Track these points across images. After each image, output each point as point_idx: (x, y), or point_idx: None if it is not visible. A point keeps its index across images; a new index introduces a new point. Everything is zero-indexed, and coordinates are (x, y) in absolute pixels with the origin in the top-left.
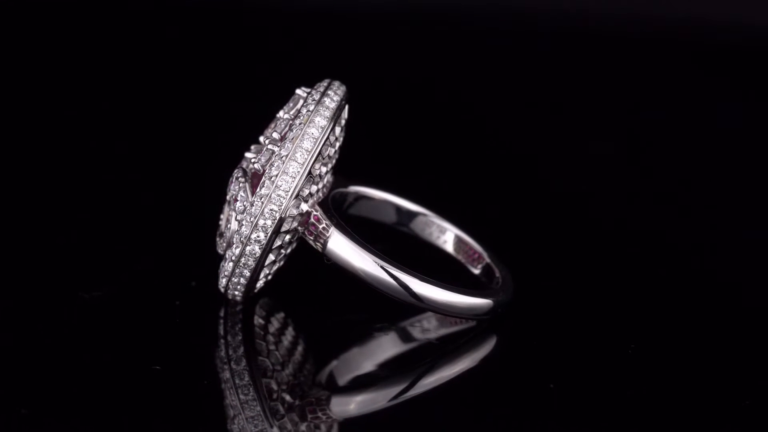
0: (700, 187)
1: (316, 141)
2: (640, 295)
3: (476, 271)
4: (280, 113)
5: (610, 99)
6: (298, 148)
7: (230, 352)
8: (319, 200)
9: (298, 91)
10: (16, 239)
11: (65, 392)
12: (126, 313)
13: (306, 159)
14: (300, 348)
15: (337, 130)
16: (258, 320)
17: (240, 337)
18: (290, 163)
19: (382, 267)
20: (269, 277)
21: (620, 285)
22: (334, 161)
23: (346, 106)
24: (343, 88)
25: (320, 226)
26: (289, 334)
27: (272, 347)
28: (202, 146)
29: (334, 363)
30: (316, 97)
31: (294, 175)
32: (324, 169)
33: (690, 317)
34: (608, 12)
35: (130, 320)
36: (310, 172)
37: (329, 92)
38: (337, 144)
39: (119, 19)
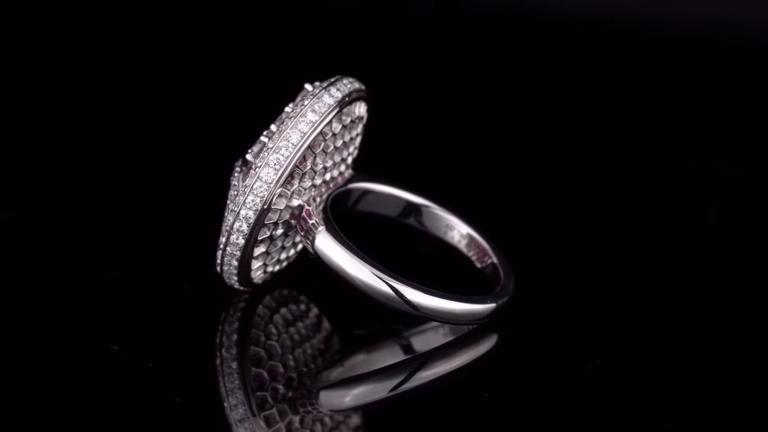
0: (701, 186)
1: (305, 135)
2: (640, 296)
3: (479, 265)
4: (287, 107)
5: (616, 97)
6: (284, 140)
7: (223, 340)
8: (321, 195)
9: (307, 85)
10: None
11: (57, 367)
12: (137, 296)
13: (291, 152)
14: (305, 344)
15: (336, 125)
16: (263, 310)
17: (236, 325)
18: (274, 155)
19: (369, 271)
20: (273, 268)
21: (621, 285)
22: (340, 157)
23: (360, 104)
24: (352, 85)
25: (310, 222)
26: (298, 327)
27: (273, 338)
28: (226, 138)
29: (339, 369)
30: (316, 92)
31: (277, 167)
32: (321, 164)
33: (691, 319)
34: (611, 11)
35: (138, 302)
36: (299, 167)
37: (332, 89)
38: (340, 141)
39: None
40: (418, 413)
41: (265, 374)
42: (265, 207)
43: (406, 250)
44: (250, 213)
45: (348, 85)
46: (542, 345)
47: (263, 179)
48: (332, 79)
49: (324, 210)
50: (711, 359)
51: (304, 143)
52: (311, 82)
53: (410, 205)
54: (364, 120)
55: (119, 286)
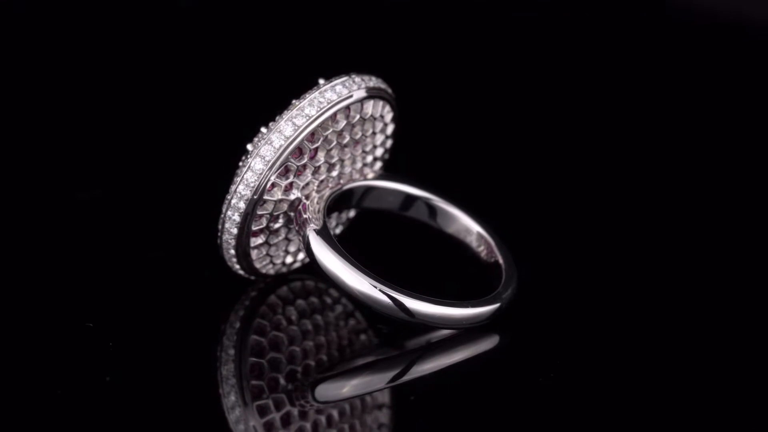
0: (700, 186)
1: (298, 128)
2: (640, 297)
3: (485, 259)
4: (294, 100)
5: (621, 94)
6: (277, 132)
7: (226, 327)
8: (330, 189)
9: (320, 80)
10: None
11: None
12: (162, 279)
13: (283, 144)
14: (317, 337)
15: (341, 121)
16: (275, 300)
17: (242, 313)
18: (265, 146)
19: (354, 273)
20: (285, 259)
21: (623, 287)
22: (351, 155)
23: (375, 102)
24: (365, 83)
25: (304, 216)
26: (315, 320)
27: (282, 329)
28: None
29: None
30: (322, 86)
31: (267, 158)
32: (323, 159)
33: (694, 321)
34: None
35: (161, 285)
36: (292, 159)
37: (338, 85)
38: (346, 137)
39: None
40: (415, 408)
41: (265, 364)
42: (256, 197)
43: (409, 246)
44: (241, 203)
45: (360, 82)
46: (543, 343)
47: (253, 169)
48: (345, 76)
49: (323, 207)
50: (714, 361)
51: (297, 136)
52: (328, 78)
53: (410, 197)
54: (387, 119)
55: (149, 267)
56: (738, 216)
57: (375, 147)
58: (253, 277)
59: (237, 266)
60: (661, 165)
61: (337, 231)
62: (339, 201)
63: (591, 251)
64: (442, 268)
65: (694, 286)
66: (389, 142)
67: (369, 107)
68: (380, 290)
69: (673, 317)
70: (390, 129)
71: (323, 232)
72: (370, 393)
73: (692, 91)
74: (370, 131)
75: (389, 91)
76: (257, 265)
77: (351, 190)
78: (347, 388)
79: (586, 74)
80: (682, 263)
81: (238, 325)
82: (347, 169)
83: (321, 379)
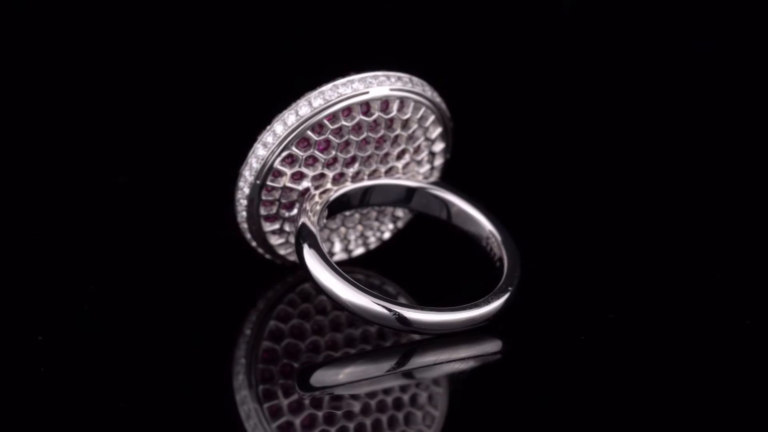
0: (705, 186)
1: (300, 119)
2: (641, 296)
3: (495, 254)
4: None
5: (621, 92)
6: (280, 121)
7: (251, 310)
8: (352, 183)
9: (351, 73)
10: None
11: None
12: (220, 257)
13: (283, 132)
14: (346, 329)
15: (357, 117)
16: (310, 288)
17: (270, 296)
18: (269, 134)
19: (337, 279)
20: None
21: (624, 285)
22: (376, 154)
23: (403, 103)
24: (390, 82)
25: (303, 206)
26: (334, 314)
27: (306, 318)
28: None
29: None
30: (341, 80)
31: (267, 145)
32: (335, 152)
33: (697, 320)
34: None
35: (215, 263)
36: (297, 149)
37: (356, 81)
38: (363, 134)
39: None
40: (414, 401)
41: (279, 350)
42: (258, 182)
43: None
44: (246, 188)
45: (384, 80)
46: (544, 343)
47: (256, 155)
48: (371, 72)
49: (324, 201)
50: (719, 362)
51: (298, 126)
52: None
53: (410, 190)
54: (426, 122)
55: (215, 245)
56: (740, 214)
57: (412, 150)
58: (268, 257)
59: (260, 250)
60: (667, 166)
61: (391, 226)
62: (349, 198)
63: (593, 252)
64: (443, 264)
65: (697, 287)
66: (438, 146)
67: (394, 107)
68: (374, 301)
69: (677, 318)
70: (434, 133)
71: (315, 240)
72: (365, 381)
73: (697, 92)
74: (399, 131)
75: (427, 94)
76: (282, 252)
77: (351, 192)
78: (342, 375)
79: (597, 75)
80: (684, 264)
81: (261, 307)
82: (374, 167)
83: (318, 366)
